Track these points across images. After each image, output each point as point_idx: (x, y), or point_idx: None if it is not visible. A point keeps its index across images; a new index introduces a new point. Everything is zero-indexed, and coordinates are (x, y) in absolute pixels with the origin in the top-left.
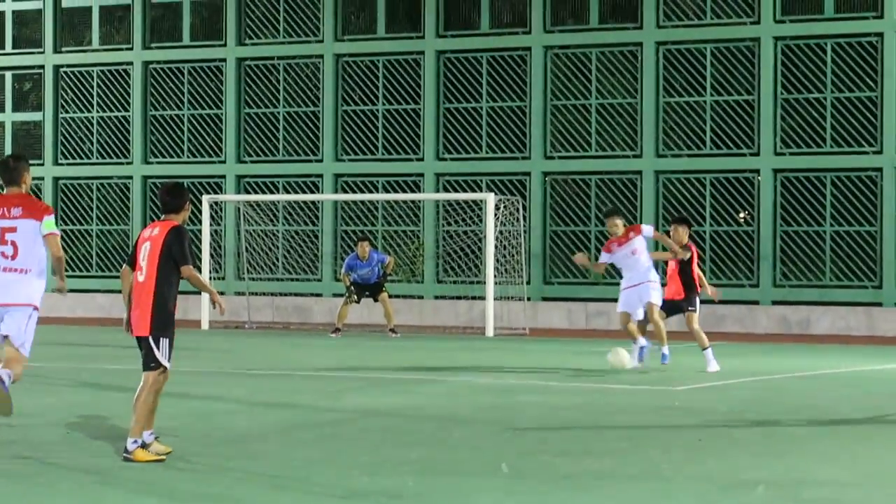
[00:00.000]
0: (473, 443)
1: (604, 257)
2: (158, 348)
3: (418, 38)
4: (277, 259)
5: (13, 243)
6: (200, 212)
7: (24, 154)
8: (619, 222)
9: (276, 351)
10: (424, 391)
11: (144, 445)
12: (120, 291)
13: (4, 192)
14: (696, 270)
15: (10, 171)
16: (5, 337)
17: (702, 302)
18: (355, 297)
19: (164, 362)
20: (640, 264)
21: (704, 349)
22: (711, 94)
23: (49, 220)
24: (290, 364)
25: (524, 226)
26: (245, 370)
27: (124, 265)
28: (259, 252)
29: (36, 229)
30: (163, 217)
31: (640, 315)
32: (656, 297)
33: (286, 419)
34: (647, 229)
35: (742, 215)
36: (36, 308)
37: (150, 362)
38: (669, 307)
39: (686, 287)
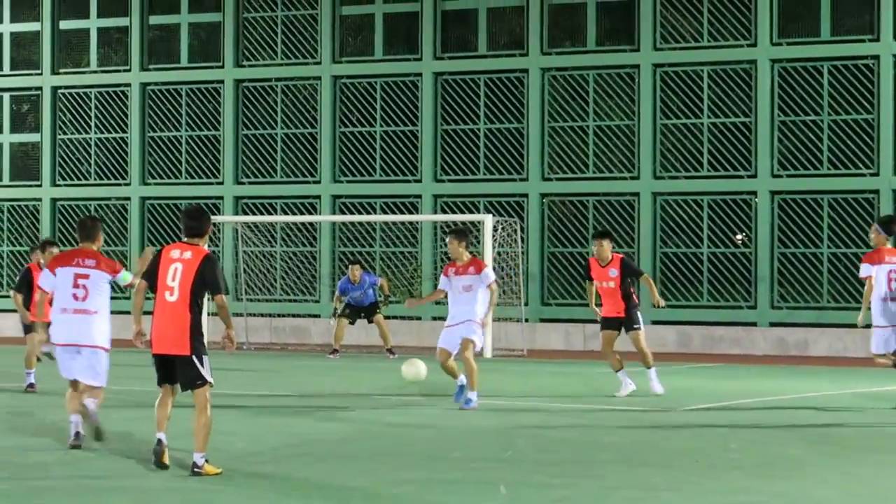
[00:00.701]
0: (471, 464)
1: (441, 282)
2: (203, 365)
3: (416, 60)
4: (275, 280)
5: (84, 287)
6: None
7: (100, 218)
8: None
9: (274, 372)
10: (421, 412)
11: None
12: (128, 312)
13: (78, 246)
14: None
15: (87, 229)
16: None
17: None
18: (347, 319)
19: (210, 378)
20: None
21: (649, 368)
22: (709, 117)
23: (125, 274)
24: (288, 385)
25: (522, 247)
26: (243, 392)
27: (140, 280)
28: (257, 273)
29: (105, 279)
30: (185, 239)
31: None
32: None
33: (283, 441)
34: (488, 274)
35: (739, 237)
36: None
37: (197, 380)
38: (610, 324)
39: (626, 302)
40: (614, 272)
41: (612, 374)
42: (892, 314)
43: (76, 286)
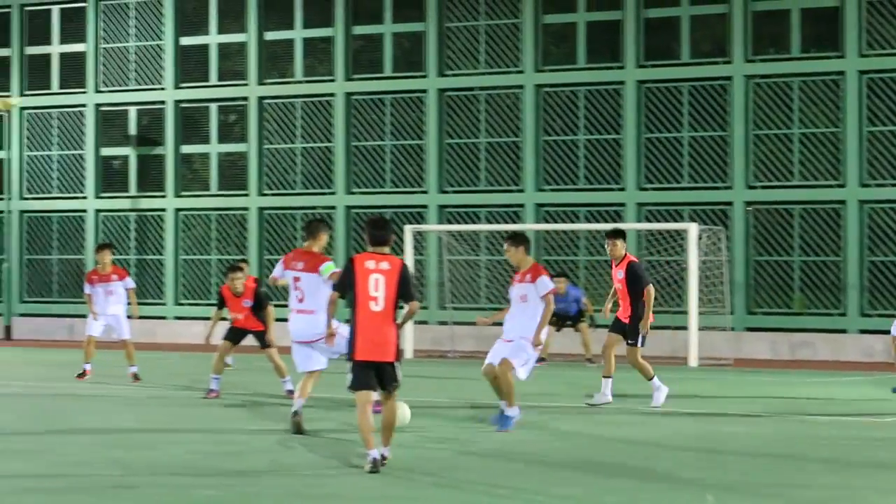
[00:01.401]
0: (677, 473)
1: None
2: (398, 369)
3: (619, 68)
4: (480, 288)
5: (300, 290)
6: (403, 242)
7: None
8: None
9: (478, 381)
10: (626, 420)
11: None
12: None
13: (309, 246)
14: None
15: (311, 230)
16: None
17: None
18: (553, 326)
19: (401, 380)
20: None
21: (650, 379)
22: None
23: (328, 265)
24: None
25: (727, 255)
26: (446, 400)
27: (333, 292)
28: (461, 281)
29: (317, 279)
30: (372, 249)
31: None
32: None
33: (491, 447)
34: (545, 283)
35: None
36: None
37: (393, 382)
38: (616, 327)
39: (633, 309)
40: (621, 274)
41: (819, 384)
42: None
43: (296, 288)
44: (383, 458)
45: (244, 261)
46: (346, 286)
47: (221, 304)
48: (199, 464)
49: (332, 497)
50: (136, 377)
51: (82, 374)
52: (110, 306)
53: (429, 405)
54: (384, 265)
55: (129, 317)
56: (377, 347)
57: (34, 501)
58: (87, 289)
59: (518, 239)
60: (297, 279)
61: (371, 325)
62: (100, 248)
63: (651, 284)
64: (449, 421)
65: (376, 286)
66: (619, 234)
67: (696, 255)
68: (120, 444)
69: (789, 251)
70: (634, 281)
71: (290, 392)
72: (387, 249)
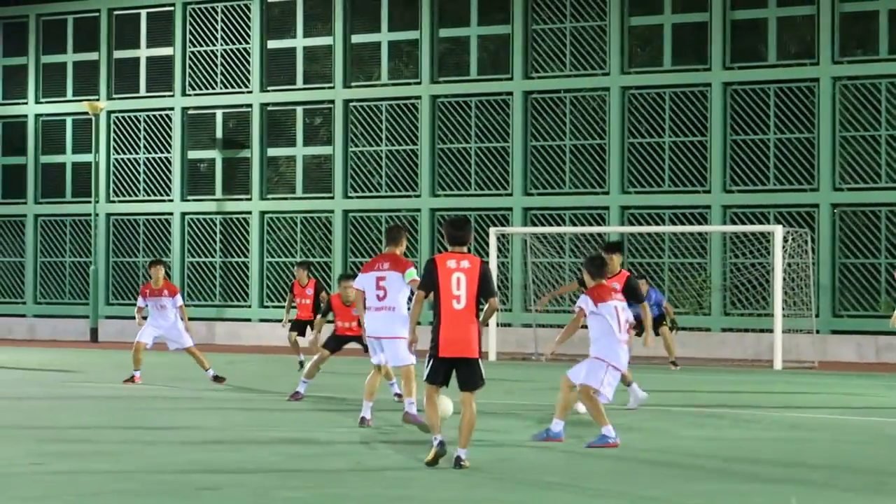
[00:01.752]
0: (761, 477)
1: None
2: (482, 367)
3: (705, 70)
4: None
5: (384, 288)
6: (487, 244)
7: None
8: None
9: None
10: (710, 424)
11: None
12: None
13: (391, 251)
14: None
15: (392, 236)
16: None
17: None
18: (634, 329)
19: (484, 377)
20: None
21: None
22: None
23: (410, 271)
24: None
25: (812, 258)
26: (531, 402)
27: (419, 291)
28: (546, 284)
29: (400, 279)
30: (452, 249)
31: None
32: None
33: (568, 448)
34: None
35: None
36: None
37: (479, 380)
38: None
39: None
40: (617, 286)
41: None
42: None
43: (379, 287)
44: (461, 460)
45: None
46: (430, 286)
47: (328, 311)
48: (283, 465)
49: (415, 499)
50: (216, 379)
51: (131, 380)
52: (162, 319)
53: (511, 406)
54: (465, 264)
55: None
56: (459, 344)
57: (118, 502)
58: (140, 302)
59: (612, 248)
60: (381, 278)
61: (454, 322)
62: (153, 263)
63: (645, 301)
64: (532, 422)
65: (458, 284)
66: (617, 248)
67: (781, 258)
68: (203, 446)
69: (875, 253)
70: (631, 295)
71: (399, 395)
72: (465, 249)
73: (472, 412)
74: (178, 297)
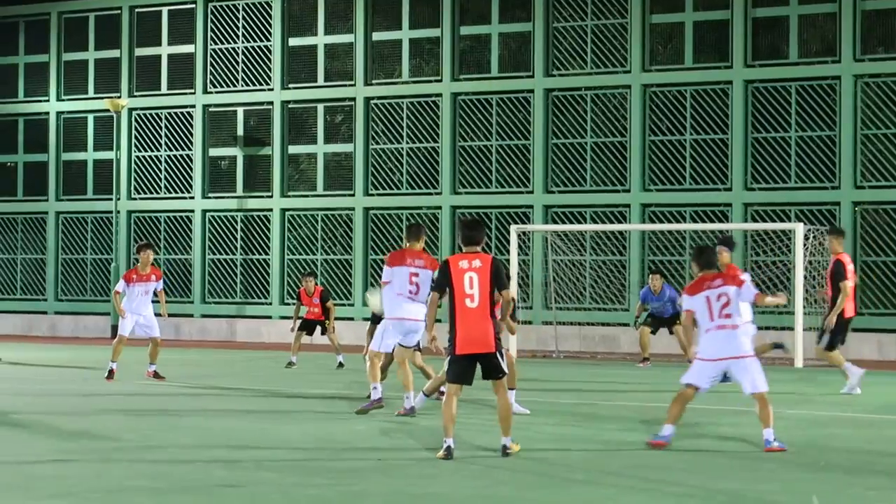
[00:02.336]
0: (783, 475)
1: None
2: (502, 359)
3: (726, 68)
4: (585, 289)
5: (416, 284)
6: (508, 242)
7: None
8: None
9: (583, 380)
10: (732, 422)
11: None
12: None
13: (412, 247)
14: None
15: (414, 232)
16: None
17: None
18: (649, 327)
19: (505, 369)
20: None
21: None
22: None
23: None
24: (596, 393)
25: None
26: (556, 399)
27: (433, 292)
28: (566, 281)
29: (428, 277)
30: (465, 249)
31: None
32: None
33: (591, 446)
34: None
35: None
36: None
37: (499, 373)
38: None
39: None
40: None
41: None
42: None
43: (411, 283)
44: (507, 448)
45: None
46: (443, 286)
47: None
48: (304, 462)
49: (438, 497)
50: (156, 375)
51: (110, 375)
52: (143, 306)
53: (531, 405)
54: (476, 263)
55: (156, 314)
56: (476, 341)
57: (140, 499)
58: (120, 286)
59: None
60: (414, 274)
61: (469, 321)
62: (142, 247)
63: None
64: (552, 420)
65: (471, 284)
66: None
67: (802, 256)
68: (225, 443)
69: None
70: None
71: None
72: (479, 249)
73: (506, 400)
74: (161, 281)
